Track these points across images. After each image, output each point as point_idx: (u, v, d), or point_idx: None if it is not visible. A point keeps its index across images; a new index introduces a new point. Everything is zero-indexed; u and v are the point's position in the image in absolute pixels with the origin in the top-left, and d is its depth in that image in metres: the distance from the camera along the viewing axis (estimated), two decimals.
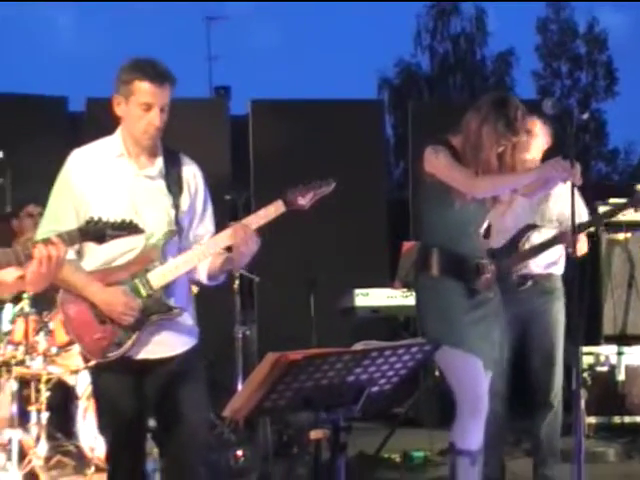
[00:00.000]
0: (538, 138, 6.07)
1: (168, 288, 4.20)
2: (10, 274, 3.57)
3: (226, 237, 4.19)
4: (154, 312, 4.18)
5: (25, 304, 6.23)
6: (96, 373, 4.30)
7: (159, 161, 4.32)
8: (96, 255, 4.17)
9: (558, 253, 6.26)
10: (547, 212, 6.18)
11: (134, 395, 4.26)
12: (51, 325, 6.37)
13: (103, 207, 4.04)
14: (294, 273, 6.25)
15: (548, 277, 6.31)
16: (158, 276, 4.16)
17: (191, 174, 4.41)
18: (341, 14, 60.49)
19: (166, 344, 4.27)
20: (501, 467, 6.33)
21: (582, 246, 6.32)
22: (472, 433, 4.85)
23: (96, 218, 3.64)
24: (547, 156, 6.08)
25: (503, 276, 5.82)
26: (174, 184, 4.31)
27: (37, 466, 5.97)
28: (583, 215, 6.22)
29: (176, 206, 4.28)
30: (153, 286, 4.16)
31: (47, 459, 6.35)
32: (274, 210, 4.22)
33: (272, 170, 8.85)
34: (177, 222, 4.28)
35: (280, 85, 46.39)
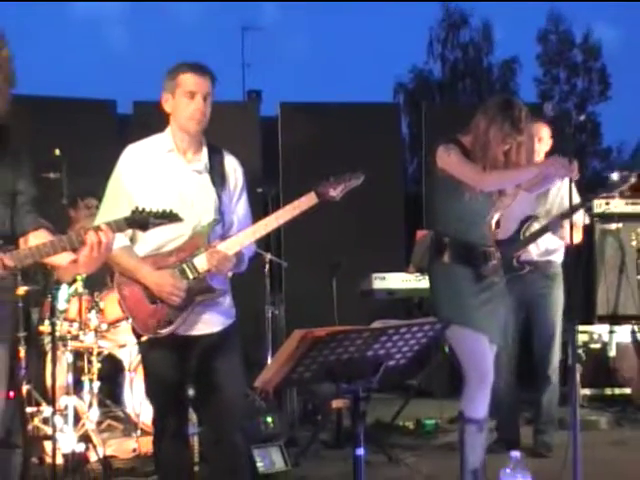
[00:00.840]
0: (544, 142, 6.09)
1: (211, 272, 4.17)
2: (64, 258, 3.54)
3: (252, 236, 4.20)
4: (199, 293, 4.17)
5: (79, 285, 6.23)
6: (146, 347, 4.28)
7: (204, 156, 4.30)
8: (147, 241, 4.17)
9: (558, 243, 6.27)
10: (548, 204, 6.18)
11: (178, 367, 4.25)
12: (101, 304, 6.38)
13: (154, 198, 4.02)
14: (318, 259, 6.23)
15: (548, 264, 6.37)
16: (201, 260, 4.15)
17: (232, 168, 4.39)
18: (361, 26, 60.66)
19: (208, 322, 4.26)
20: (517, 430, 6.41)
21: (577, 235, 6.33)
22: (479, 403, 4.83)
23: (140, 208, 3.62)
24: (547, 153, 6.08)
25: (509, 263, 5.87)
26: (217, 177, 4.30)
27: (90, 429, 5.98)
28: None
29: (219, 197, 4.26)
30: (199, 270, 4.14)
31: (98, 423, 6.38)
32: (307, 201, 4.17)
33: (299, 166, 8.82)
34: (220, 212, 4.26)
35: (307, 89, 46.86)
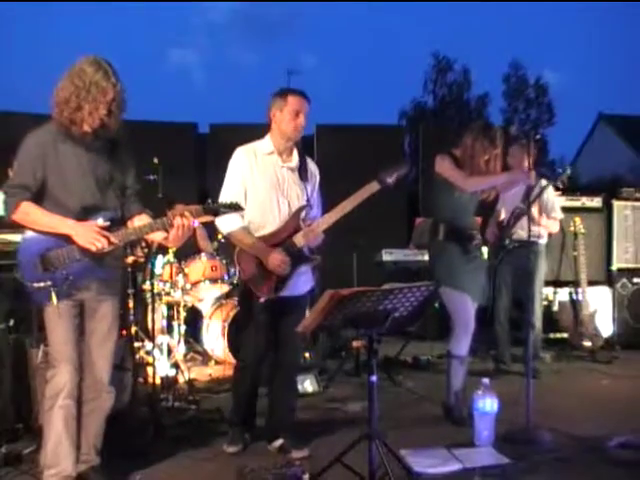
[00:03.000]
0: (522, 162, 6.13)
1: (305, 246, 4.19)
2: (159, 235, 3.55)
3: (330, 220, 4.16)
4: (299, 263, 4.16)
5: (170, 256, 6.26)
6: (260, 307, 4.14)
7: (295, 158, 4.31)
8: (252, 219, 4.14)
9: (543, 231, 6.50)
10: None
11: (274, 323, 4.22)
12: (186, 270, 6.40)
13: (258, 187, 4.10)
14: (344, 239, 6.18)
15: (535, 244, 6.36)
16: (299, 238, 4.15)
17: (313, 169, 4.42)
18: (374, 72, 61.27)
19: (300, 286, 4.26)
20: (509, 359, 6.57)
21: (555, 226, 6.71)
22: (463, 344, 4.82)
23: (212, 201, 3.62)
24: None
25: (504, 241, 6.15)
26: (304, 174, 4.30)
27: (178, 359, 6.00)
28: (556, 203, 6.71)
29: (306, 188, 4.28)
30: (297, 245, 4.15)
31: (184, 355, 6.43)
32: (370, 188, 4.12)
33: (330, 174, 8.75)
34: (308, 199, 4.26)
35: (336, 114, 46.65)
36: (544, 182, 5.79)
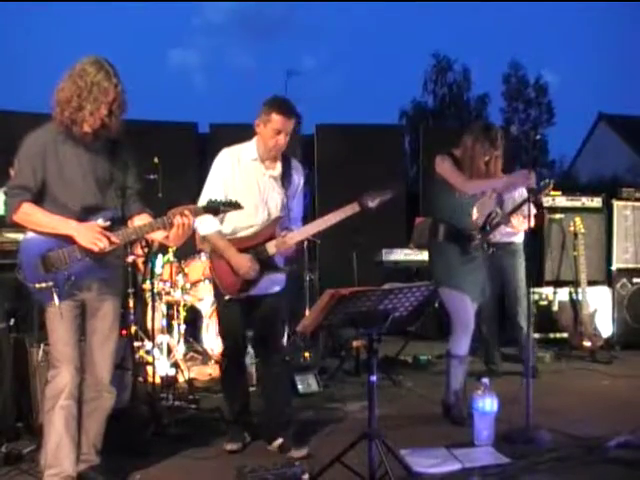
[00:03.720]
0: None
1: (277, 254, 4.22)
2: (160, 234, 3.56)
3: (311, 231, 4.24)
4: (268, 269, 4.21)
5: (170, 255, 6.26)
6: (225, 303, 4.27)
7: (279, 166, 4.31)
8: (230, 222, 4.20)
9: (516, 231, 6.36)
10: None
11: (243, 317, 4.31)
12: (186, 269, 6.41)
13: (239, 191, 4.09)
14: (343, 238, 6.18)
15: (511, 244, 6.42)
16: (271, 246, 4.19)
17: (297, 176, 4.39)
18: (374, 72, 61.41)
19: (269, 287, 4.29)
20: (499, 361, 6.53)
21: (531, 221, 6.34)
22: (463, 344, 4.83)
23: (213, 199, 3.64)
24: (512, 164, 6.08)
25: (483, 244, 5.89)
26: (286, 181, 4.31)
27: (178, 359, 6.01)
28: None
29: (287, 196, 4.29)
30: (269, 253, 4.19)
31: (184, 354, 6.42)
32: (351, 209, 4.15)
33: (330, 174, 8.77)
34: (288, 207, 4.29)
35: (336, 114, 46.77)
36: (525, 194, 5.73)
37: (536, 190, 5.56)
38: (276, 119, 4.13)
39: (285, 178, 4.30)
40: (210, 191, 4.18)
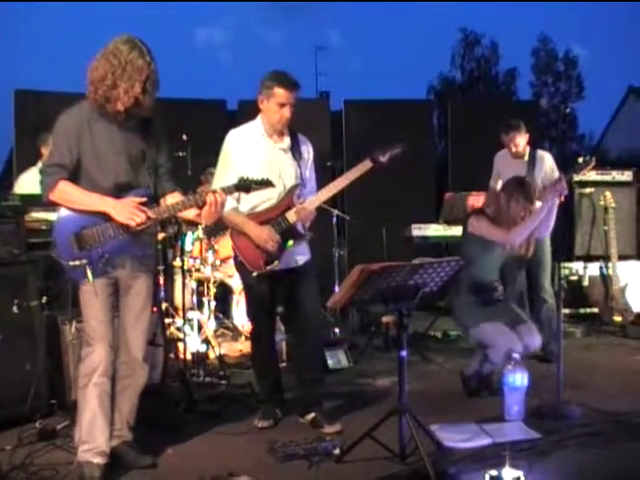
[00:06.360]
0: (520, 146, 6.06)
1: (298, 222, 4.23)
2: (191, 212, 3.58)
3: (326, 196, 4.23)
4: (291, 238, 4.21)
5: (200, 232, 6.29)
6: (254, 279, 4.25)
7: (287, 139, 4.32)
8: (248, 201, 4.21)
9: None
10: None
11: (272, 291, 4.32)
12: (216, 246, 6.43)
13: (252, 169, 4.04)
14: (374, 213, 6.18)
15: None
16: (291, 215, 4.19)
17: (306, 148, 4.39)
18: (402, 47, 60.85)
19: (293, 259, 4.30)
20: None
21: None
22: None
23: (245, 177, 3.64)
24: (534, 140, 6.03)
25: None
26: (297, 154, 4.32)
27: (209, 335, 6.05)
28: None
29: (300, 167, 4.29)
30: (290, 222, 4.19)
31: (215, 331, 6.47)
32: (363, 166, 4.18)
33: (358, 145, 8.71)
34: (301, 178, 4.29)
35: (364, 89, 46.67)
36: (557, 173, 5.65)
37: (578, 168, 5.48)
38: (279, 93, 4.14)
39: (295, 150, 4.32)
40: (221, 175, 4.20)
